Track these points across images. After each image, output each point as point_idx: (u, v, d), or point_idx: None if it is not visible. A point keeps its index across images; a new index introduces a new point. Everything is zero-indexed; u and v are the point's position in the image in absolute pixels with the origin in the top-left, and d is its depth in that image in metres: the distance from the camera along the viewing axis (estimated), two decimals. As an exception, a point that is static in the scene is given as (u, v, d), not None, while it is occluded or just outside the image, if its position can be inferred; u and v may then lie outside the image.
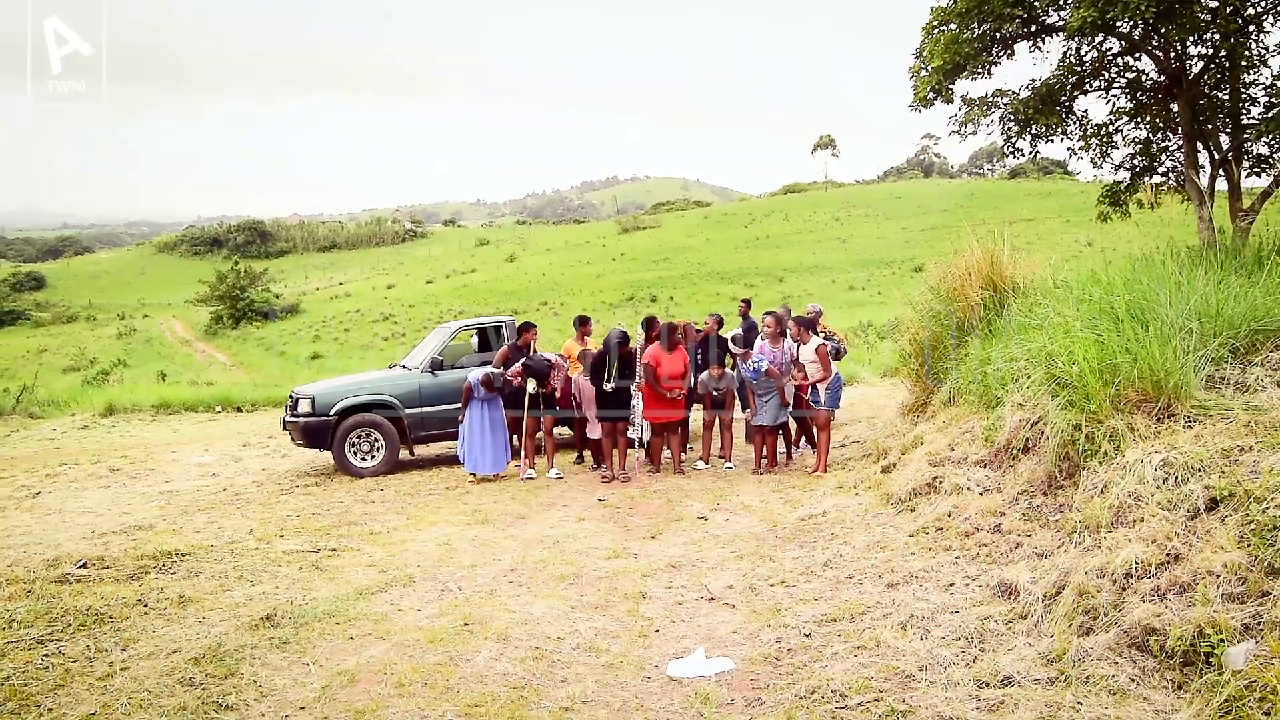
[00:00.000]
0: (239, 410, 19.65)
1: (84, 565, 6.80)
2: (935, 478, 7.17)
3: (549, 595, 6.01)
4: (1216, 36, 11.36)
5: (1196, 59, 12.06)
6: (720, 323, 11.24)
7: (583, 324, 11.09)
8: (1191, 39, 11.39)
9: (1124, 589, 4.35)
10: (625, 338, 10.06)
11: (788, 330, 10.17)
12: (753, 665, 4.71)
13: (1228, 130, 12.29)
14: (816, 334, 10.03)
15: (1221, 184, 12.48)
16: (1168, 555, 4.35)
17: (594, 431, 10.29)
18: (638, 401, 9.98)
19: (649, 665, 4.80)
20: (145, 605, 5.87)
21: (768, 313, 10.46)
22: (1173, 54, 11.88)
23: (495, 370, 10.23)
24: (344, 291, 67.03)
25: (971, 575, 5.42)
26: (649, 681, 4.61)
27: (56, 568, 6.70)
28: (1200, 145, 12.16)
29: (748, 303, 12.91)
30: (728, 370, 10.41)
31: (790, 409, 10.10)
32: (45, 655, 5.00)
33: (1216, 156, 12.10)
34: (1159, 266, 6.97)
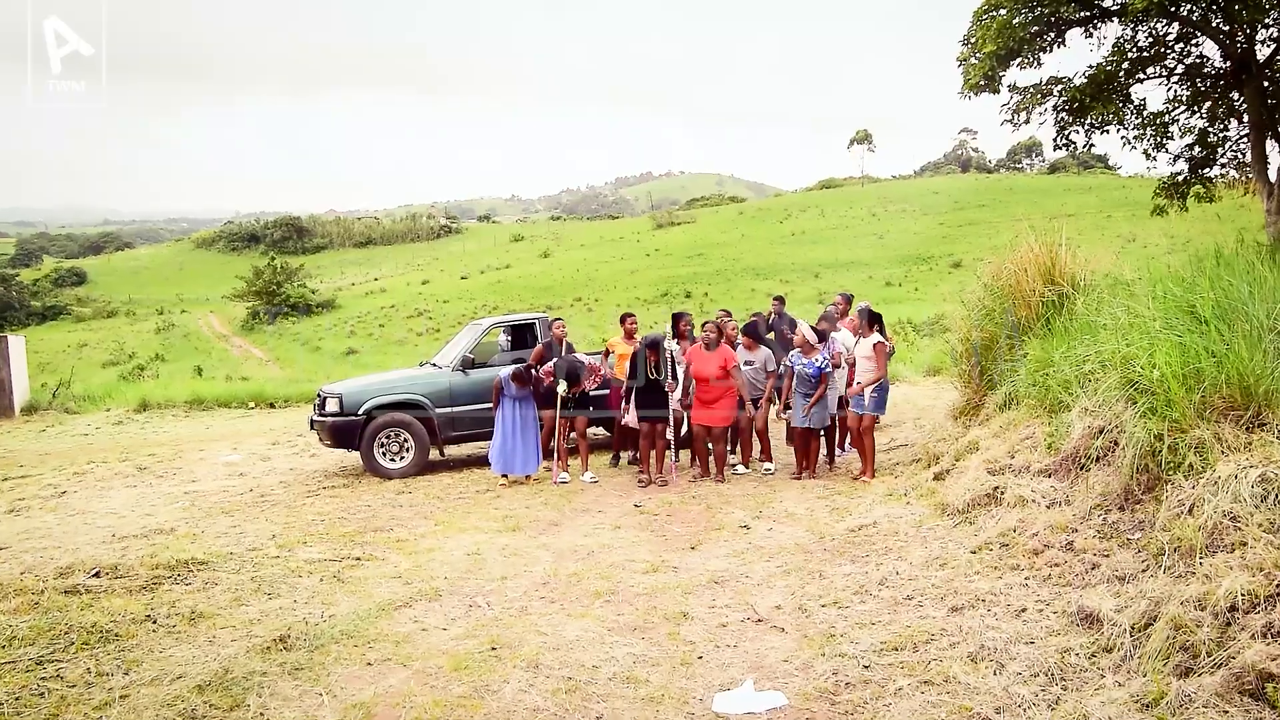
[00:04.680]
0: (272, 406, 19.48)
1: (97, 574, 6.50)
2: (996, 488, 6.69)
3: (583, 614, 5.60)
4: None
5: (1266, 42, 11.44)
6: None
7: (622, 320, 10.76)
8: (1270, 18, 10.74)
9: (1228, 624, 3.86)
10: (655, 343, 9.64)
11: (838, 324, 9.76)
12: (807, 701, 4.26)
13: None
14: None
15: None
16: (1278, 587, 3.86)
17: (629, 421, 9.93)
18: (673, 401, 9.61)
19: (692, 699, 4.36)
20: (154, 621, 5.52)
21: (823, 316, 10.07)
22: (1240, 38, 11.27)
23: (523, 365, 9.91)
24: (379, 287, 67.19)
25: (1045, 599, 4.95)
26: (693, 718, 4.18)
27: (68, 577, 6.39)
28: (1270, 135, 11.56)
29: (781, 300, 12.38)
30: (763, 347, 9.92)
31: (831, 410, 9.62)
32: (42, 679, 4.65)
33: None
34: (1241, 262, 6.47)
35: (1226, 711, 3.50)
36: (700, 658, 4.86)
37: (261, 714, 4.28)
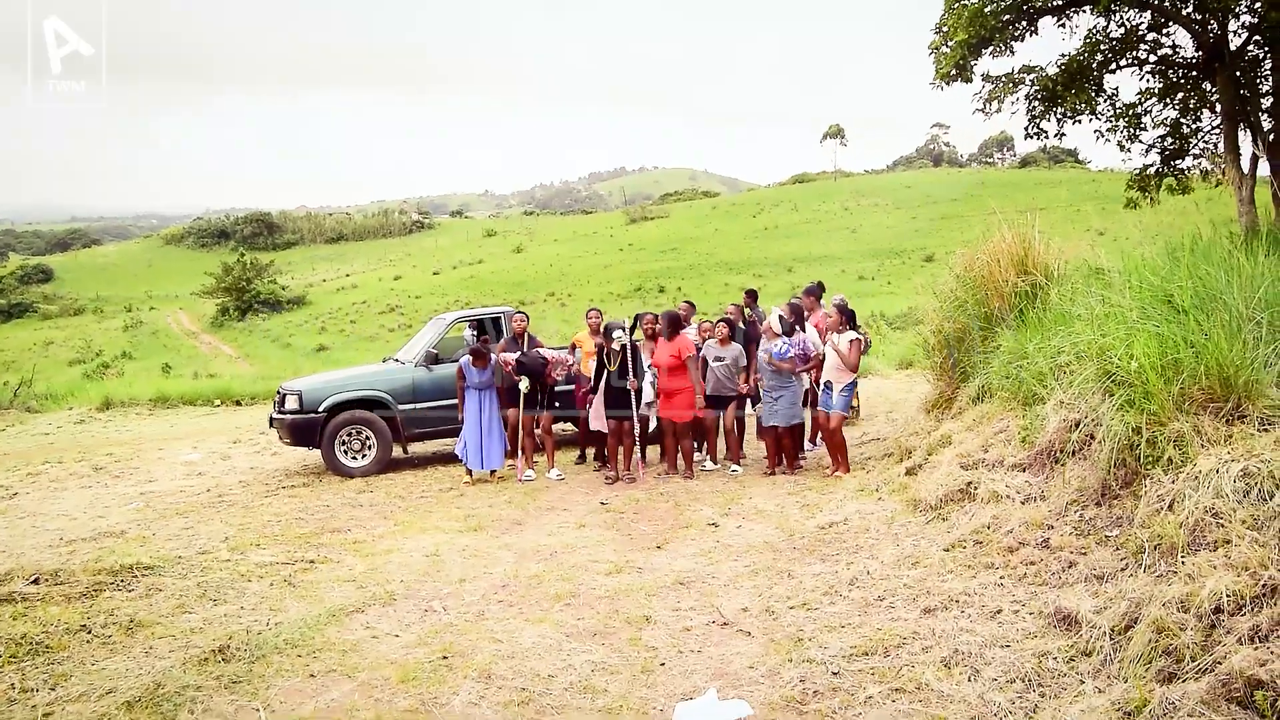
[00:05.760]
0: (238, 404, 19.09)
1: (36, 580, 6.19)
2: (969, 483, 6.50)
3: (541, 619, 5.35)
4: (1260, 6, 10.60)
5: (1238, 31, 11.32)
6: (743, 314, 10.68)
7: (587, 316, 10.51)
8: (1241, 6, 10.59)
9: (1213, 627, 3.67)
10: (607, 330, 9.42)
11: (808, 321, 9.57)
12: (773, 710, 4.04)
13: (1270, 109, 11.57)
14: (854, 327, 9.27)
15: (1263, 168, 11.77)
16: (1264, 588, 3.68)
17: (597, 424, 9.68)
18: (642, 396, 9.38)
19: (652, 709, 4.13)
20: (89, 632, 5.20)
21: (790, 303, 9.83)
22: (1212, 25, 11.16)
23: (481, 340, 9.71)
24: (350, 283, 66.67)
25: (1020, 600, 4.75)
26: (652, 730, 3.96)
27: (5, 584, 6.07)
28: (1242, 125, 11.44)
29: (753, 294, 12.07)
30: (735, 343, 9.68)
31: (798, 407, 9.40)
32: (-39, 696, 4.37)
33: (1260, 138, 11.36)
34: (1218, 250, 6.30)
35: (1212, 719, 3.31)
36: (662, 664, 4.63)
37: (192, 732, 4.01)
